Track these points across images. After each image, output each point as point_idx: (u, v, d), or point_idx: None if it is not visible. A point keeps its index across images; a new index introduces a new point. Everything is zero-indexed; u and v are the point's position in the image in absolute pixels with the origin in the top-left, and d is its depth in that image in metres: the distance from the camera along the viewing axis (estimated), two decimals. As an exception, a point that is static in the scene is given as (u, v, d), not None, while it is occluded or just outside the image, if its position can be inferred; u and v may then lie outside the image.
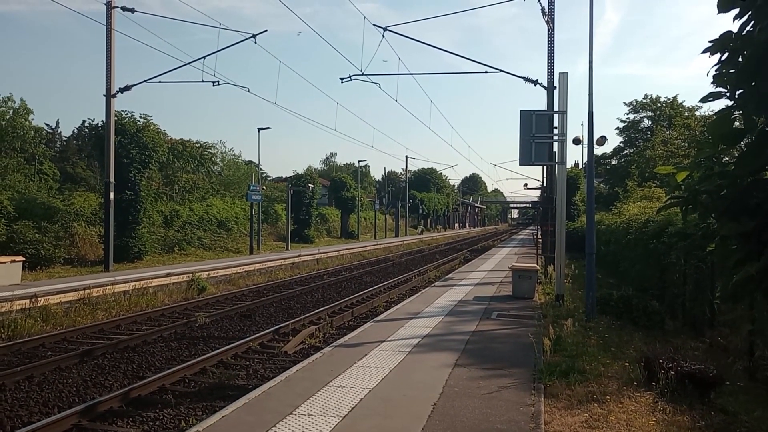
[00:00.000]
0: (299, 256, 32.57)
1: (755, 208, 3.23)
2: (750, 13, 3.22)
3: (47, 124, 52.86)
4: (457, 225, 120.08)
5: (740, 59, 3.31)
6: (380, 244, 48.58)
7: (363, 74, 22.89)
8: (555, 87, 18.28)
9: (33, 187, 30.92)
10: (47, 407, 8.65)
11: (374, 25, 21.18)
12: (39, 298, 15.31)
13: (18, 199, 26.84)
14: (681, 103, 53.19)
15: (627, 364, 9.30)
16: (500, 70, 21.75)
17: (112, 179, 23.75)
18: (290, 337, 13.10)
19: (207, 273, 22.62)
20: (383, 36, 20.99)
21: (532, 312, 14.52)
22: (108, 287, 17.67)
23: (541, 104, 21.70)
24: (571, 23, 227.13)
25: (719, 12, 3.34)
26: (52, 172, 40.52)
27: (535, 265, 20.54)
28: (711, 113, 38.29)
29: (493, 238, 78.52)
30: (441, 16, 65.83)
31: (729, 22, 3.32)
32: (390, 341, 10.98)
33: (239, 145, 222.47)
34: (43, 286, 17.25)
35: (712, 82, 3.44)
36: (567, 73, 15.65)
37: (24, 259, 20.02)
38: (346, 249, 40.77)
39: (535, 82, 21.13)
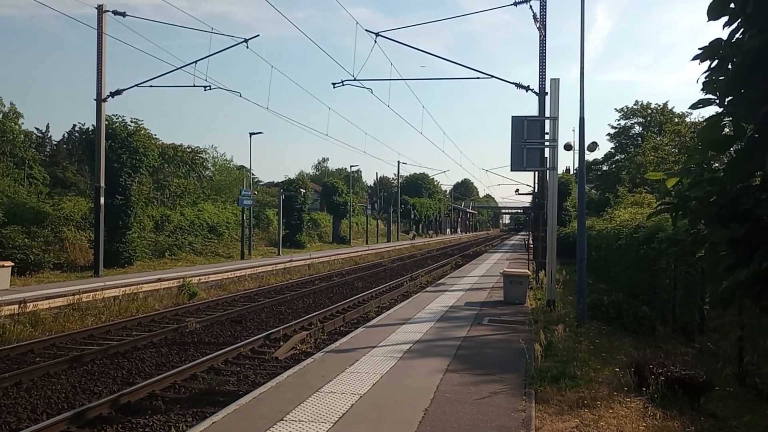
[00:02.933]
0: (291, 261, 32.49)
1: (744, 214, 3.24)
2: (739, 20, 3.24)
3: (37, 128, 52.66)
4: (448, 230, 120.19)
5: (730, 66, 3.33)
6: (372, 250, 48.56)
7: (355, 79, 22.90)
8: (546, 93, 18.35)
9: (22, 192, 30.74)
10: (36, 414, 8.58)
11: (367, 30, 21.22)
12: (28, 304, 15.19)
13: (7, 203, 26.68)
14: (671, 110, 53.62)
15: (617, 369, 9.32)
16: (492, 76, 21.83)
17: (102, 184, 23.64)
18: (281, 343, 13.06)
19: (198, 278, 22.52)
20: (375, 41, 21.04)
21: (523, 317, 14.53)
22: (98, 292, 17.56)
23: (533, 110, 21.81)
24: (562, 30, 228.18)
25: (709, 19, 3.36)
26: (42, 176, 40.36)
27: (527, 270, 20.58)
28: (701, 120, 38.57)
29: (485, 243, 78.66)
30: (434, 21, 66.04)
31: (719, 30, 3.35)
32: (381, 347, 10.96)
33: (231, 150, 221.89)
34: (32, 291, 17.13)
35: (702, 89, 3.46)
36: (558, 79, 15.73)
37: (13, 264, 19.89)
38: (338, 254, 40.71)
39: (527, 88, 21.21)
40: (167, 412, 8.53)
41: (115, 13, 22.98)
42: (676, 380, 7.73)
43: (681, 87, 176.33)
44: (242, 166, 60.71)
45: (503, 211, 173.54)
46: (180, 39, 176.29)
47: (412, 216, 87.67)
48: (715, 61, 3.39)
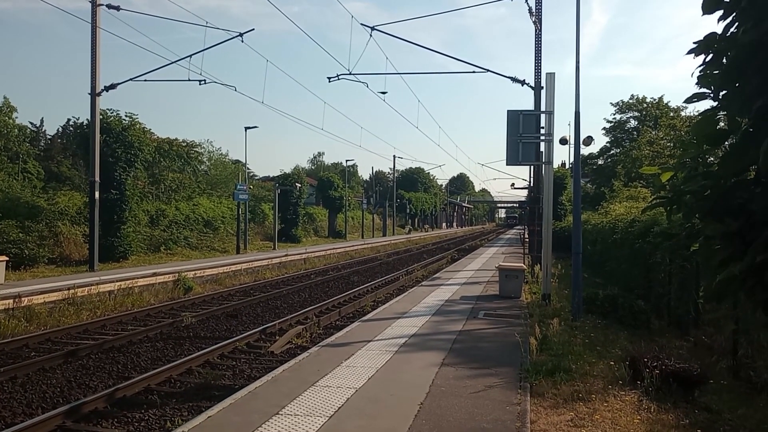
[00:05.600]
0: (286, 255, 32.48)
1: (738, 208, 3.25)
2: (734, 14, 3.24)
3: (31, 123, 52.41)
4: (444, 225, 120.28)
5: (724, 60, 3.33)
6: (367, 244, 48.56)
7: (350, 73, 22.87)
8: (542, 87, 18.34)
9: (17, 186, 30.62)
10: (31, 408, 8.56)
11: (362, 24, 21.17)
12: (23, 298, 15.15)
13: (1, 198, 26.58)
14: (667, 104, 53.59)
15: (612, 363, 9.36)
16: (488, 70, 21.85)
17: (97, 178, 23.56)
18: (277, 337, 13.06)
19: (193, 273, 22.49)
20: (371, 35, 20.99)
21: (518, 311, 14.57)
22: (93, 287, 17.52)
23: (529, 104, 21.81)
24: (558, 24, 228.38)
25: (704, 14, 3.36)
26: (37, 170, 40.21)
27: (522, 264, 20.61)
28: (696, 114, 38.61)
29: (481, 237, 78.73)
30: (429, 15, 66.31)
31: (713, 24, 3.35)
32: (377, 341, 10.98)
33: (226, 145, 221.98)
34: (26, 286, 17.08)
35: (697, 83, 3.46)
36: (554, 73, 15.69)
37: (7, 258, 19.81)
38: (334, 248, 40.71)
39: (523, 83, 21.21)
40: (163, 406, 8.52)
41: (109, 7, 22.84)
42: (671, 373, 7.77)
43: (676, 81, 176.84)
44: (238, 161, 60.43)
45: (499, 205, 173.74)
46: (175, 33, 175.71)
47: (408, 210, 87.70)
48: (710, 56, 3.39)
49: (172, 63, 24.25)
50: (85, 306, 16.37)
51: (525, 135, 15.40)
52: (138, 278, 19.70)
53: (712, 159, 3.61)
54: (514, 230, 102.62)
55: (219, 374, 10.29)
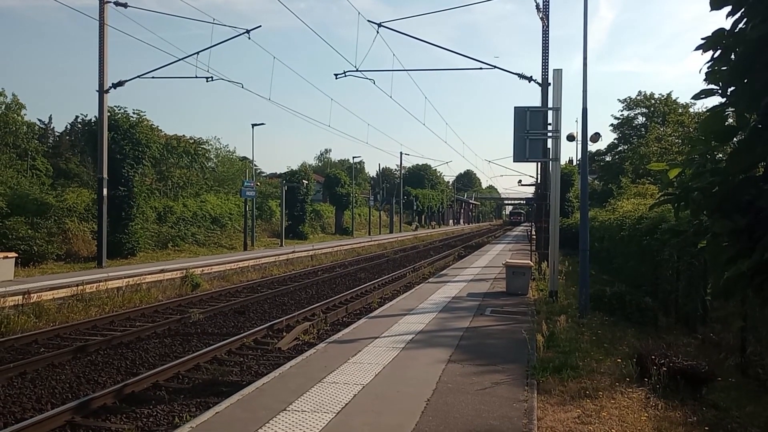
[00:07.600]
0: (293, 252, 32.53)
1: (747, 205, 3.23)
2: (742, 10, 3.22)
3: (40, 120, 52.76)
4: (451, 221, 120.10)
5: (732, 56, 3.31)
6: (374, 241, 48.58)
7: (357, 70, 22.88)
8: (549, 84, 18.30)
9: (25, 183, 30.77)
10: (40, 403, 8.63)
11: (369, 21, 21.16)
12: (32, 294, 15.24)
13: (10, 195, 26.72)
14: (675, 100, 53.26)
15: (620, 360, 9.35)
16: (495, 67, 21.76)
17: (105, 175, 23.66)
18: (284, 334, 13.10)
19: (201, 269, 22.57)
20: (378, 32, 20.97)
21: (525, 308, 14.55)
22: (101, 283, 17.62)
23: (536, 101, 21.72)
24: (565, 20, 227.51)
25: (712, 9, 3.34)
26: (45, 167, 40.40)
27: (529, 261, 20.57)
28: (704, 110, 38.31)
29: (488, 234, 78.59)
30: (436, 12, 65.84)
31: (722, 20, 3.33)
32: (384, 337, 10.99)
33: (233, 141, 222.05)
34: (35, 282, 17.19)
35: (705, 79, 3.44)
36: (561, 69, 15.63)
37: (16, 255, 19.94)
38: (341, 245, 40.75)
39: (530, 79, 21.16)
40: (171, 402, 8.57)
41: (116, 4, 22.93)
42: (679, 371, 7.75)
43: (684, 77, 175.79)
44: (245, 158, 60.57)
45: (506, 202, 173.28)
46: (182, 30, 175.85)
47: (415, 207, 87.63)
48: (718, 51, 3.36)
49: (180, 60, 24.28)
50: (94, 302, 16.46)
51: (532, 131, 15.36)
52: (146, 275, 19.79)
53: (720, 155, 3.59)
54: (521, 227, 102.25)
55: (226, 370, 10.34)
